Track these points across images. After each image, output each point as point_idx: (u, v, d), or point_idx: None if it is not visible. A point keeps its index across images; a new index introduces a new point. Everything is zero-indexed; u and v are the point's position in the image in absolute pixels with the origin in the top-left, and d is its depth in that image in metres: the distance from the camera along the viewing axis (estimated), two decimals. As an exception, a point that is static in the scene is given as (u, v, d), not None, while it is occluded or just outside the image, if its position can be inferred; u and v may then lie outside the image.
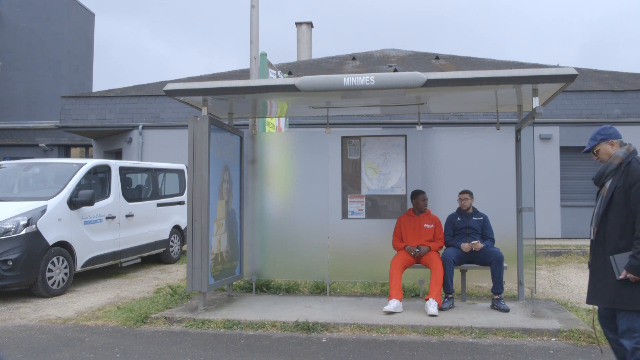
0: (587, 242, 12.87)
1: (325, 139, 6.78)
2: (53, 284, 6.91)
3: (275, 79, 8.02)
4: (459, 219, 6.10)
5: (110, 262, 8.24)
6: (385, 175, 6.76)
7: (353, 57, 19.86)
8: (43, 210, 6.88)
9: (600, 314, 3.50)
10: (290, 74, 15.84)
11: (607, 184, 3.39)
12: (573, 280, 7.92)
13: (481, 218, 6.05)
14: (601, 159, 3.50)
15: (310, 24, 23.10)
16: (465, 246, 5.83)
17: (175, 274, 8.82)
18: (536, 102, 5.21)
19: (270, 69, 8.04)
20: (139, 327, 5.38)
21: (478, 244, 5.78)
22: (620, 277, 3.21)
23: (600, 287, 3.34)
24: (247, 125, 7.61)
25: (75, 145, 21.32)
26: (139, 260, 9.24)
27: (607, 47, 77.44)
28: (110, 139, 16.35)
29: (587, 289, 3.50)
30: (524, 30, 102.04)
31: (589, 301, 3.47)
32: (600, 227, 3.36)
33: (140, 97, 15.53)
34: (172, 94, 5.65)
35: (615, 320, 3.37)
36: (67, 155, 21.29)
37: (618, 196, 3.29)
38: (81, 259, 7.46)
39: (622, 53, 71.28)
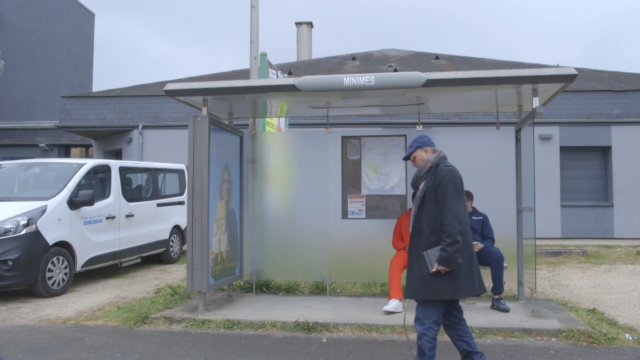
0: (588, 242, 12.87)
1: (325, 139, 6.78)
2: (53, 284, 6.91)
3: (275, 79, 8.02)
4: (459, 218, 6.09)
5: (110, 262, 8.24)
6: (385, 175, 6.76)
7: (353, 57, 19.87)
8: (43, 210, 6.88)
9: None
10: (290, 74, 15.85)
11: (421, 186, 3.70)
12: (573, 280, 7.92)
13: (481, 217, 6.05)
14: (417, 164, 3.85)
15: (310, 24, 23.11)
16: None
17: (175, 274, 8.82)
18: (536, 102, 5.21)
19: (270, 69, 8.04)
20: (139, 327, 5.38)
21: (478, 245, 5.78)
22: (433, 270, 3.50)
23: (416, 281, 3.60)
24: (247, 125, 7.61)
25: (75, 145, 21.33)
26: (139, 260, 9.24)
27: (611, 46, 77.39)
28: (110, 139, 16.35)
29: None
30: (527, 30, 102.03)
31: (407, 295, 3.71)
32: (415, 225, 3.70)
33: (140, 97, 15.54)
34: (172, 94, 5.65)
35: (450, 316, 3.73)
36: (67, 155, 21.29)
37: (429, 195, 3.63)
38: (81, 259, 7.46)
39: (627, 52, 71.19)
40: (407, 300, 4.02)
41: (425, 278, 3.53)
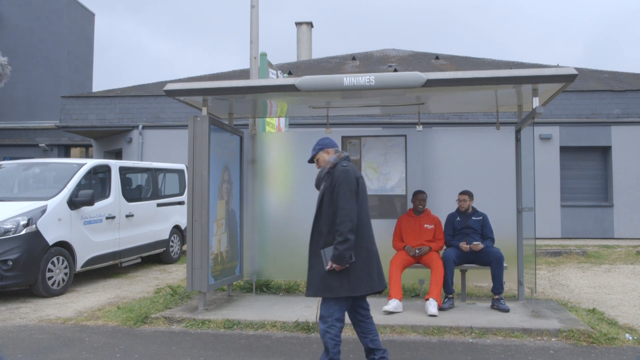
0: (588, 242, 12.85)
1: (325, 139, 6.77)
2: (53, 284, 6.91)
3: (275, 79, 8.02)
4: (458, 218, 6.10)
5: (110, 262, 8.23)
6: (385, 175, 6.76)
7: (353, 57, 19.87)
8: (43, 210, 6.88)
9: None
10: (290, 74, 15.85)
11: (322, 187, 3.80)
12: (573, 280, 7.92)
13: (480, 217, 6.05)
14: (320, 165, 3.93)
15: (310, 24, 23.12)
16: (463, 245, 5.84)
17: (175, 274, 8.82)
18: (536, 102, 5.21)
19: (270, 69, 8.04)
20: (139, 327, 5.38)
21: (479, 245, 5.78)
22: (327, 267, 3.59)
23: (315, 279, 3.69)
24: (247, 125, 7.61)
25: (75, 145, 21.33)
26: (139, 260, 9.24)
27: (612, 46, 77.28)
28: (110, 139, 16.35)
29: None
30: (527, 30, 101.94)
31: (307, 293, 3.79)
32: (315, 224, 3.80)
33: (140, 97, 15.54)
34: (172, 94, 5.65)
35: (356, 314, 3.81)
36: (67, 155, 21.29)
37: (327, 196, 3.72)
38: (81, 259, 7.45)
39: (627, 52, 71.07)
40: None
41: (322, 276, 3.63)
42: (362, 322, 3.83)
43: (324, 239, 3.67)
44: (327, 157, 3.88)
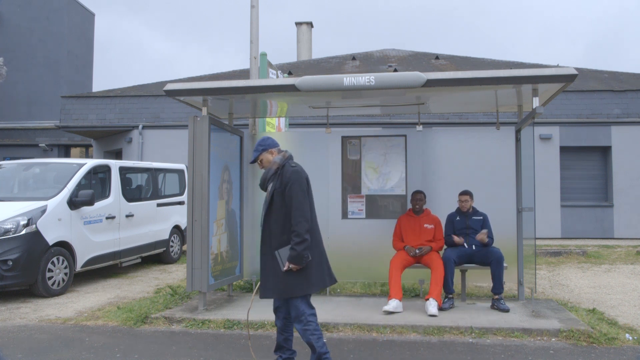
0: (588, 242, 12.84)
1: (325, 139, 6.78)
2: (53, 284, 6.91)
3: (275, 79, 8.02)
4: (458, 218, 6.10)
5: (110, 262, 8.24)
6: (385, 175, 6.76)
7: (353, 57, 19.87)
8: (43, 210, 6.88)
9: (275, 304, 3.94)
10: (290, 74, 15.85)
11: (269, 187, 3.83)
12: (573, 280, 7.92)
13: (481, 217, 6.05)
14: (264, 166, 3.94)
15: (310, 24, 23.12)
16: (456, 238, 5.92)
17: (175, 274, 8.83)
18: (536, 102, 5.22)
19: (270, 69, 8.04)
20: (139, 327, 5.38)
21: (484, 238, 5.79)
22: (284, 268, 3.65)
23: (271, 281, 3.74)
24: (247, 125, 7.61)
25: (75, 145, 21.33)
26: (139, 260, 9.24)
27: (613, 46, 77.21)
28: (110, 139, 16.35)
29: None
30: (528, 30, 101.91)
31: (262, 295, 3.84)
32: (265, 226, 3.82)
33: (140, 97, 15.54)
34: (172, 94, 5.65)
35: (284, 310, 3.90)
36: (67, 155, 21.29)
37: (277, 197, 3.75)
38: (81, 259, 7.46)
39: (629, 52, 70.97)
40: (253, 295, 4.21)
41: (280, 277, 3.69)
42: (286, 320, 3.95)
43: (278, 239, 3.72)
44: (271, 157, 3.90)
